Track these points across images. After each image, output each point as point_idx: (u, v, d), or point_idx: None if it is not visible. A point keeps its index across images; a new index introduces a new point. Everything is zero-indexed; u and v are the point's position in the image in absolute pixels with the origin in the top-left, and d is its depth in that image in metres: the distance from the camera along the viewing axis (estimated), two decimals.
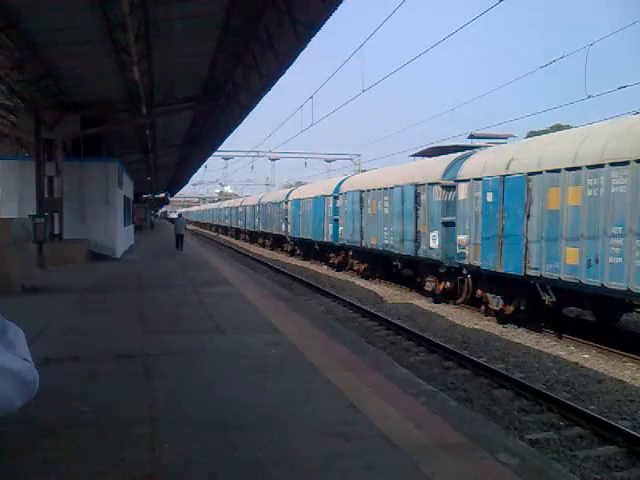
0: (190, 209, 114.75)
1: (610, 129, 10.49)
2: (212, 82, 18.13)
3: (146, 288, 13.16)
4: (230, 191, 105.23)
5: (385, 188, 19.20)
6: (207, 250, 29.37)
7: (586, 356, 10.33)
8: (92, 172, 20.01)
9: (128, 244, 27.26)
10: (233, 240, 53.54)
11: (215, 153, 40.75)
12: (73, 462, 3.78)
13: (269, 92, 17.31)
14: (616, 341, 10.71)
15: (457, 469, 3.62)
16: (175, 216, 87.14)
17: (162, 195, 67.51)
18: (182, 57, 15.32)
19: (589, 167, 10.14)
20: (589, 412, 7.12)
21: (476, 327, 12.76)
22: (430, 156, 19.36)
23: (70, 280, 14.40)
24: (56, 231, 18.30)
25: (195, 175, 62.75)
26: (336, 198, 24.89)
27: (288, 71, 15.03)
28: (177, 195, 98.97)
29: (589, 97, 13.50)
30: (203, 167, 52.09)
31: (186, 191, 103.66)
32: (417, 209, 16.72)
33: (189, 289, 12.66)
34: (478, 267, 13.41)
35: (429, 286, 16.27)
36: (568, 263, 10.58)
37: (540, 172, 11.34)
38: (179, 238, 26.31)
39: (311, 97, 20.53)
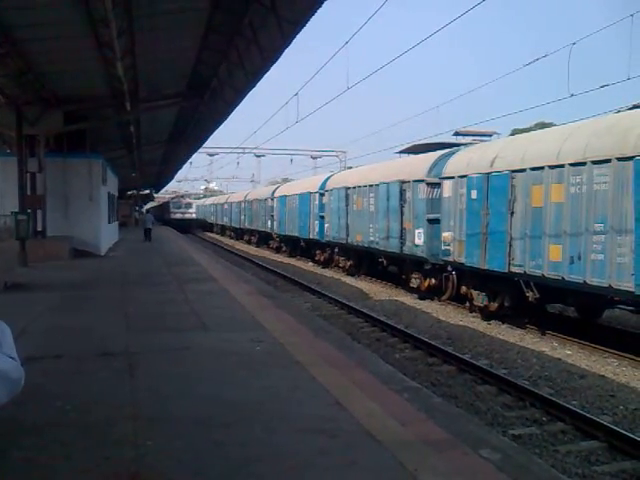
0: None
1: (592, 127, 10.60)
2: (197, 78, 18.03)
3: (130, 285, 13.07)
4: (215, 188, 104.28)
5: (371, 185, 19.24)
6: (192, 247, 29.21)
7: (569, 352, 10.45)
8: (76, 169, 19.82)
9: (112, 241, 27.08)
10: (218, 237, 53.34)
11: (200, 149, 40.60)
12: (56, 461, 3.75)
13: (254, 88, 17.29)
14: (598, 337, 10.85)
15: (440, 465, 3.64)
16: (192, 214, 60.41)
17: (147, 192, 66.96)
18: (166, 53, 15.22)
19: (572, 165, 10.24)
20: (571, 407, 7.21)
21: (461, 323, 12.85)
22: (415, 153, 19.45)
23: (53, 277, 14.27)
24: (39, 228, 18.13)
25: (180, 172, 62.36)
26: (322, 195, 24.89)
27: (273, 67, 15.01)
28: (162, 191, 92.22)
29: (572, 95, 13.60)
30: (188, 164, 51.71)
31: (171, 187, 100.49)
32: (402, 206, 16.78)
33: (174, 286, 12.60)
34: (462, 264, 13.49)
35: (414, 283, 16.35)
36: (551, 260, 10.68)
37: (524, 170, 11.43)
38: (147, 231, 30.24)
39: (296, 94, 20.47)
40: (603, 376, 8.95)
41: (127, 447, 3.95)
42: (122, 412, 4.63)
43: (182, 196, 67.83)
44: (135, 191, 54.62)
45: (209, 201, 68.11)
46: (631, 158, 9.07)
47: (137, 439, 4.09)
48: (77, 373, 5.82)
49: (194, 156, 45.98)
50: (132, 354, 6.57)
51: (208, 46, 14.93)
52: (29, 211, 17.43)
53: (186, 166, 52.98)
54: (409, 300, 15.97)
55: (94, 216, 20.52)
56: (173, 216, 58.82)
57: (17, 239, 15.95)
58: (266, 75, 15.79)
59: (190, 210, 61.36)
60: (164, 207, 66.80)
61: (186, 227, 54.74)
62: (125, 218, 45.61)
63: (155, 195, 79.84)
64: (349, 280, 20.50)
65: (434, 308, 14.76)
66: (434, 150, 17.17)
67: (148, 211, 45.17)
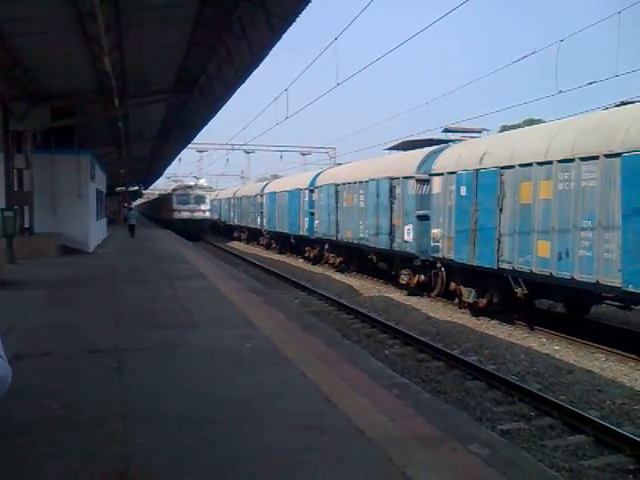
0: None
1: (580, 124, 10.66)
2: (186, 74, 17.96)
3: (119, 282, 13.00)
4: (205, 184, 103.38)
5: (360, 182, 19.26)
6: (181, 244, 29.10)
7: (557, 347, 10.53)
8: (63, 165, 19.66)
9: (101, 238, 26.91)
10: None
11: (189, 146, 40.40)
12: (44, 459, 3.73)
13: (243, 84, 17.26)
14: (586, 333, 10.94)
15: (429, 460, 3.66)
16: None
17: (136, 188, 66.56)
18: (155, 48, 15.13)
19: (560, 161, 10.30)
20: (559, 402, 7.27)
21: (450, 319, 12.90)
22: (405, 150, 19.47)
23: (41, 274, 14.16)
24: (26, 225, 17.97)
25: (169, 168, 62.08)
26: (312, 191, 24.89)
27: (262, 63, 14.99)
28: (151, 188, 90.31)
29: (560, 92, 13.68)
30: (177, 160, 51.45)
31: (160, 184, 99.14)
32: (392, 203, 16.81)
33: (163, 283, 12.54)
34: (452, 260, 13.54)
35: (404, 279, 16.40)
36: (540, 256, 10.75)
37: (513, 166, 11.48)
38: (131, 227, 30.55)
39: (286, 90, 20.39)
40: (590, 371, 9.04)
41: (116, 445, 3.93)
42: (111, 410, 4.61)
43: (190, 186, 46.03)
44: (124, 187, 54.31)
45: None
46: (619, 155, 9.13)
47: (126, 437, 4.07)
48: (66, 371, 5.78)
49: (183, 152, 45.65)
50: (121, 351, 6.54)
51: (197, 41, 14.86)
52: (16, 208, 17.27)
53: (175, 162, 52.80)
54: (399, 296, 16.02)
55: (82, 213, 20.35)
56: (177, 215, 41.59)
57: (4, 236, 15.81)
58: (255, 71, 15.77)
59: (202, 206, 42.71)
60: (163, 203, 48.93)
61: (197, 231, 39.91)
62: (114, 215, 45.30)
63: (144, 191, 78.58)
64: (339, 276, 20.52)
65: (423, 304, 14.81)
66: (423, 147, 17.22)
67: (131, 208, 43.81)
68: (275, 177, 46.18)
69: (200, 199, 42.91)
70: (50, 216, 18.99)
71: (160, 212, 50.86)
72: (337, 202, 21.26)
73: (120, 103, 17.92)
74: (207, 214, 43.44)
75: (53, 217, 19.11)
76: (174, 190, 46.02)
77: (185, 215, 41.43)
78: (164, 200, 49.85)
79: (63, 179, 19.66)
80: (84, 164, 20.58)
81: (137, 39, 13.82)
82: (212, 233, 46.48)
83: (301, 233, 26.15)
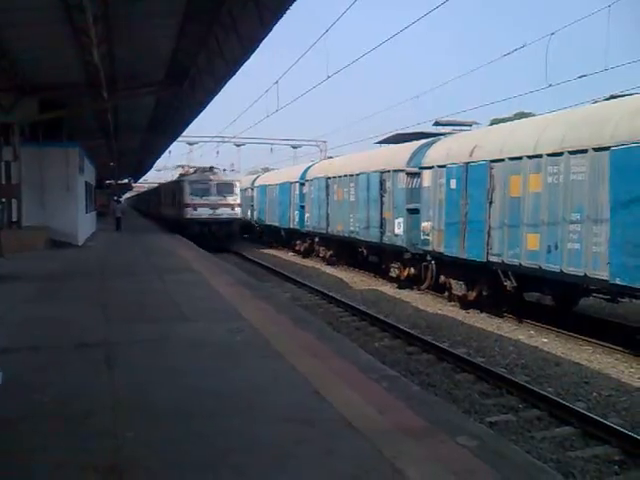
0: None
1: (569, 118, 10.71)
2: (176, 66, 17.81)
3: (109, 275, 12.94)
4: None
5: (351, 175, 19.27)
6: (171, 237, 28.99)
7: (545, 340, 10.62)
8: (52, 157, 19.50)
9: (90, 231, 26.78)
10: None
11: (179, 138, 40.13)
12: (33, 453, 3.72)
13: (234, 77, 17.17)
14: (574, 325, 11.02)
15: (418, 452, 3.69)
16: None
17: (125, 181, 66.14)
18: (144, 40, 14.98)
19: (549, 155, 10.35)
20: (546, 394, 7.34)
21: (440, 312, 12.97)
22: (395, 143, 19.49)
23: (29, 268, 14.07)
24: (14, 218, 17.84)
25: (159, 160, 61.67)
26: (302, 185, 24.88)
27: (253, 56, 14.91)
28: (141, 180, 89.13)
29: (550, 86, 13.74)
30: (167, 152, 51.05)
31: (150, 176, 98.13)
32: (382, 196, 16.83)
33: (153, 276, 12.51)
34: (442, 253, 13.59)
35: (394, 272, 16.44)
36: (529, 249, 10.81)
37: (502, 159, 11.53)
38: (118, 220, 30.67)
39: (276, 82, 20.31)
40: (578, 363, 9.12)
41: (106, 438, 3.93)
42: (101, 403, 4.61)
43: (210, 168, 30.44)
44: (113, 180, 53.96)
45: None
46: (607, 148, 9.18)
47: (116, 430, 4.07)
48: (55, 364, 5.76)
49: (173, 145, 45.45)
50: (111, 345, 6.53)
51: (187, 33, 14.73)
52: (4, 201, 17.14)
53: (165, 155, 52.41)
54: (389, 289, 16.07)
55: (71, 206, 20.22)
56: (192, 214, 28.16)
57: None
58: (246, 63, 15.69)
59: (230, 199, 28.74)
60: (168, 195, 34.93)
61: (222, 238, 27.79)
62: (103, 208, 45.03)
63: (133, 184, 77.84)
64: (329, 270, 20.55)
65: (413, 297, 14.87)
66: (414, 140, 17.23)
67: (119, 202, 43.58)
68: (266, 170, 46.05)
69: (226, 188, 28.95)
70: (39, 209, 18.87)
71: (162, 208, 38.04)
72: (328, 195, 21.26)
73: (109, 95, 17.78)
74: (237, 210, 29.28)
75: (41, 210, 18.98)
76: (183, 175, 32.75)
77: (204, 213, 28.12)
78: (169, 190, 34.84)
79: (52, 172, 19.51)
80: (73, 157, 20.43)
81: (126, 31, 13.70)
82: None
83: (292, 226, 26.13)
